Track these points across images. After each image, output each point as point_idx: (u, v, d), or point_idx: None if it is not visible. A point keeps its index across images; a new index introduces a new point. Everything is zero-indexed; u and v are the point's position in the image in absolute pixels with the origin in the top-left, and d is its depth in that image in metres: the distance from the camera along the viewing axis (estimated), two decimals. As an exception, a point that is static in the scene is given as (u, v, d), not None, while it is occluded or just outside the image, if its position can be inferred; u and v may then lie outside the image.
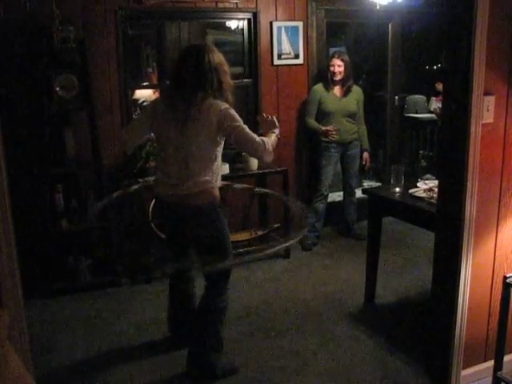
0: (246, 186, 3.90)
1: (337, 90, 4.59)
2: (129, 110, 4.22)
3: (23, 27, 3.66)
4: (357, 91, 4.66)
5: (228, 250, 2.73)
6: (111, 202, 3.05)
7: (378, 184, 5.84)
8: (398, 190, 3.28)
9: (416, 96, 6.85)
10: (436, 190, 2.83)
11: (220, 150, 2.65)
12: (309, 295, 3.76)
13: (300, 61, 4.69)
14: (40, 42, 3.66)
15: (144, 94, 4.75)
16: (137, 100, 4.67)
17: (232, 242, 2.80)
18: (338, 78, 4.51)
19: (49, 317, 3.53)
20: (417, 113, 6.74)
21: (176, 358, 2.94)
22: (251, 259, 4.14)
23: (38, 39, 3.67)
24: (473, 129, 2.30)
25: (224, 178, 3.15)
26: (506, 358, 2.57)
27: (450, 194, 2.47)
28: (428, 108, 6.82)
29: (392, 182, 3.34)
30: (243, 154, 4.13)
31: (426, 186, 3.20)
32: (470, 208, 2.38)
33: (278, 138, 2.78)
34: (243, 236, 4.43)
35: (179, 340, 3.03)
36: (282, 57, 4.62)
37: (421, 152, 6.57)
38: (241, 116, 2.58)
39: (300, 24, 4.63)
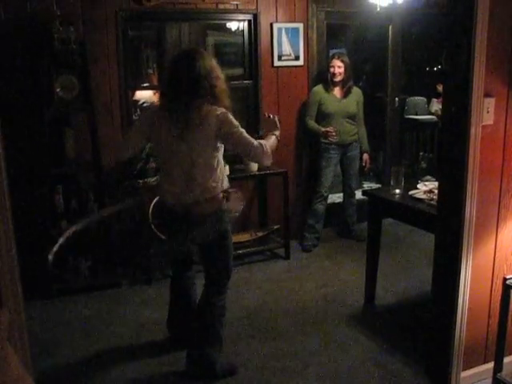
0: None
1: (337, 91, 4.59)
2: (129, 110, 4.22)
3: (23, 28, 3.66)
4: (357, 92, 4.66)
5: (230, 252, 2.75)
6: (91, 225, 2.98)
7: (378, 185, 5.84)
8: (397, 191, 3.28)
9: (416, 98, 6.86)
10: (436, 191, 2.84)
11: (221, 154, 2.64)
12: (309, 296, 3.76)
13: (300, 62, 4.69)
14: (40, 42, 3.66)
15: (144, 95, 4.74)
16: (137, 101, 4.66)
17: (233, 243, 2.81)
18: (337, 79, 4.51)
19: (49, 317, 3.53)
20: (417, 114, 6.74)
21: (176, 357, 2.94)
22: None
23: (39, 40, 3.67)
24: (473, 130, 2.31)
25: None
26: (506, 359, 2.57)
27: (450, 196, 2.47)
28: (429, 109, 6.82)
29: (392, 183, 3.35)
30: (243, 156, 4.13)
31: (425, 188, 3.20)
32: (470, 209, 2.39)
33: (278, 140, 2.75)
34: (243, 237, 4.44)
35: (179, 340, 3.03)
36: (283, 58, 4.62)
37: (421, 154, 6.56)
38: (241, 118, 2.57)
39: (300, 25, 4.63)
